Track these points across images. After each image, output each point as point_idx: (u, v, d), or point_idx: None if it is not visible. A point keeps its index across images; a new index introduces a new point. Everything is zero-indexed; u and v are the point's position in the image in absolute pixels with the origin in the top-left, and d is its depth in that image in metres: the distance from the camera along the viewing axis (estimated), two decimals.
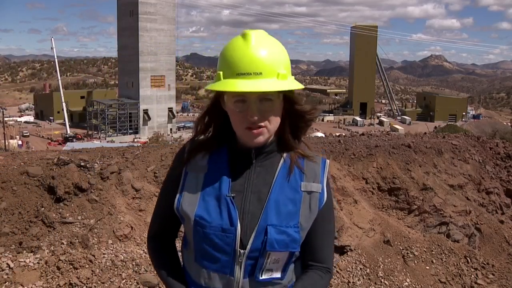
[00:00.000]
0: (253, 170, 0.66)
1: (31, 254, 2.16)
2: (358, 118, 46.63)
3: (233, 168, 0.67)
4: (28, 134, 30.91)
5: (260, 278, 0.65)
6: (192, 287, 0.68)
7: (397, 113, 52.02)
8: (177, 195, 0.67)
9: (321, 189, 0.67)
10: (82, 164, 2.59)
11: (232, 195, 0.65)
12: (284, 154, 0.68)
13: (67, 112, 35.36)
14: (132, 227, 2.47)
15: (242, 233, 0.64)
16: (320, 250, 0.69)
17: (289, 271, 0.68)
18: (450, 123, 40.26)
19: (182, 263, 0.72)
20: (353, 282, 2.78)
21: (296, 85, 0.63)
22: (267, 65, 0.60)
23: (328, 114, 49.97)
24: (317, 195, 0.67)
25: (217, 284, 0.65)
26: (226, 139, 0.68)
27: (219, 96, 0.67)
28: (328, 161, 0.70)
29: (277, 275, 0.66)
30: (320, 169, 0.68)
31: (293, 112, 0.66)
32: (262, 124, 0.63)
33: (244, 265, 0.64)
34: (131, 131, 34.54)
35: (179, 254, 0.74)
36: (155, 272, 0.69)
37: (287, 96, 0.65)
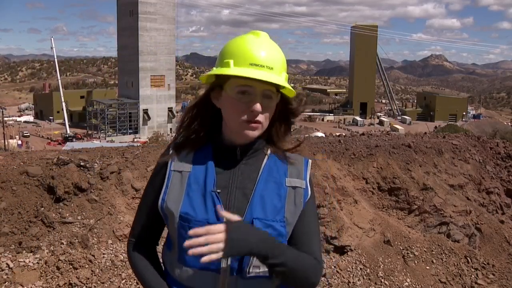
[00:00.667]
0: (238, 167, 0.67)
1: (31, 254, 2.16)
2: (358, 118, 46.60)
3: (218, 165, 0.67)
4: (28, 134, 30.77)
5: (248, 275, 0.64)
6: None
7: (397, 113, 51.98)
8: (161, 194, 0.67)
9: (305, 185, 0.68)
10: (82, 164, 2.59)
11: (218, 190, 0.65)
12: (269, 151, 0.69)
13: (66, 112, 35.33)
14: None
15: None
16: (309, 246, 0.68)
17: None
18: (451, 123, 40.24)
19: (164, 268, 0.70)
20: (353, 282, 2.77)
21: (292, 89, 0.67)
22: (277, 63, 0.65)
23: (328, 114, 50.02)
24: (301, 190, 0.67)
25: (203, 283, 0.64)
26: (211, 138, 0.69)
27: (211, 90, 0.67)
28: (310, 160, 0.71)
29: (266, 273, 0.64)
30: (303, 167, 0.70)
31: (284, 111, 0.69)
32: (260, 119, 0.64)
33: (230, 261, 0.63)
34: (131, 131, 34.52)
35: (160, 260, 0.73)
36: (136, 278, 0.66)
37: (284, 98, 0.68)
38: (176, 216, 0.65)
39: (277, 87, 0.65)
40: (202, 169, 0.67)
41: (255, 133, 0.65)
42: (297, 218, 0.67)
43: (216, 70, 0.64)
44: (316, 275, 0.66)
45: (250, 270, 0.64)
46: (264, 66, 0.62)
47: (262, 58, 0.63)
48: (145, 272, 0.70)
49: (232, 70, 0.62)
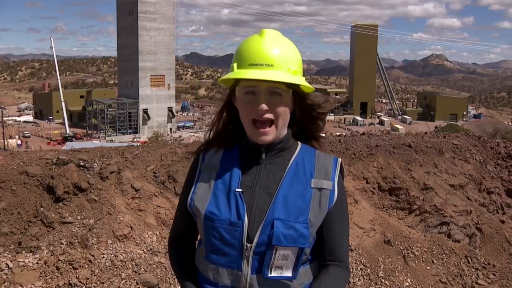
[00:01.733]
0: (263, 167, 0.67)
1: (30, 254, 2.15)
2: (358, 118, 46.70)
3: (244, 164, 0.68)
4: (29, 135, 30.53)
5: (269, 275, 0.64)
6: (202, 284, 0.68)
7: (397, 113, 51.93)
8: (190, 193, 0.69)
9: (331, 186, 0.67)
10: (81, 164, 2.58)
11: (241, 190, 0.65)
12: (297, 150, 0.68)
13: (66, 111, 35.35)
14: (131, 227, 2.46)
15: (250, 227, 0.64)
16: (337, 249, 0.68)
17: (301, 273, 0.67)
18: (451, 122, 40.33)
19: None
20: (353, 282, 2.77)
21: (306, 83, 0.65)
22: (278, 59, 0.63)
23: (328, 114, 49.71)
24: (327, 192, 0.66)
25: (225, 280, 0.65)
26: (239, 138, 0.70)
27: (232, 92, 0.69)
28: (340, 159, 0.70)
29: (288, 273, 0.64)
30: (332, 167, 0.68)
31: (306, 107, 0.68)
32: (270, 116, 0.64)
33: (252, 260, 0.64)
34: (131, 131, 34.54)
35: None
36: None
37: (298, 93, 0.67)
38: (202, 215, 0.67)
39: (287, 83, 0.63)
40: (229, 168, 0.68)
41: (266, 138, 0.65)
42: (322, 220, 0.66)
43: (224, 76, 0.65)
44: (344, 286, 0.68)
45: (272, 271, 0.64)
46: (262, 65, 0.62)
47: (260, 57, 0.62)
48: (177, 268, 0.72)
49: (234, 73, 0.63)
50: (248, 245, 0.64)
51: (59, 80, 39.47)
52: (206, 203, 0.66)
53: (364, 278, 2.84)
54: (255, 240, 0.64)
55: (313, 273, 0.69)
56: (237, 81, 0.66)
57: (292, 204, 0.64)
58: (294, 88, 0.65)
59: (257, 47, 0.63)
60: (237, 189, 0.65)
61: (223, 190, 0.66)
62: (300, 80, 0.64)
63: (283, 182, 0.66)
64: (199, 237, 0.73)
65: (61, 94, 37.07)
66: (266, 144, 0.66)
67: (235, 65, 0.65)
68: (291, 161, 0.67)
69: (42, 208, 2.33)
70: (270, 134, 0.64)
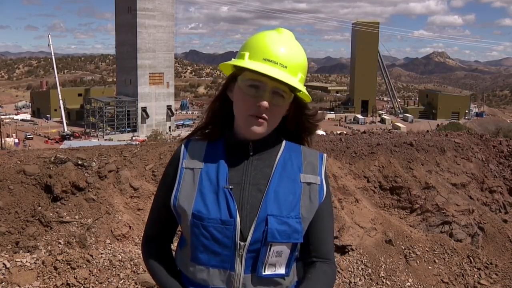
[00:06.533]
0: (251, 163, 0.66)
1: (28, 254, 2.13)
2: (359, 116, 46.79)
3: (230, 161, 0.66)
4: (31, 136, 29.93)
5: (263, 273, 0.62)
6: (189, 287, 0.65)
7: (399, 111, 51.94)
8: (173, 192, 0.66)
9: (319, 181, 0.67)
10: (79, 162, 2.55)
11: (230, 186, 0.64)
12: (282, 146, 0.68)
13: (64, 110, 35.31)
14: (130, 227, 2.43)
15: (242, 225, 0.63)
16: (323, 245, 0.67)
17: (292, 270, 0.66)
18: (453, 121, 40.03)
19: (177, 265, 0.69)
20: (354, 282, 2.75)
21: (308, 95, 0.66)
22: (293, 63, 0.63)
23: (329, 112, 49.97)
24: (316, 187, 0.66)
25: (217, 281, 0.63)
26: (223, 133, 0.68)
27: (229, 81, 0.67)
28: (325, 155, 0.70)
29: (281, 271, 0.64)
30: (318, 162, 0.68)
31: (300, 114, 0.69)
32: (267, 116, 0.63)
33: (245, 259, 0.62)
34: (129, 129, 34.53)
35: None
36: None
37: (298, 100, 0.67)
38: (189, 214, 0.63)
39: (291, 87, 0.63)
40: (214, 165, 0.65)
41: (260, 129, 0.64)
42: (313, 215, 0.66)
43: (232, 61, 0.64)
44: (333, 282, 0.67)
45: (266, 269, 0.62)
46: (277, 63, 0.61)
47: (276, 55, 0.62)
48: (158, 271, 0.69)
49: (245, 62, 0.62)
50: (242, 243, 0.62)
51: (57, 78, 39.26)
52: (192, 202, 0.63)
53: (365, 278, 2.82)
54: (249, 238, 0.62)
55: (300, 271, 0.68)
56: (240, 71, 0.64)
57: (283, 200, 0.63)
58: (295, 94, 0.65)
59: (275, 44, 0.62)
60: (225, 186, 0.63)
61: (210, 188, 0.63)
62: (305, 89, 0.64)
63: (273, 178, 0.64)
64: (175, 238, 0.71)
65: (59, 92, 36.95)
66: (253, 139, 0.65)
67: (246, 54, 0.62)
68: (278, 156, 0.67)
69: (39, 208, 2.30)
70: (263, 126, 0.63)
